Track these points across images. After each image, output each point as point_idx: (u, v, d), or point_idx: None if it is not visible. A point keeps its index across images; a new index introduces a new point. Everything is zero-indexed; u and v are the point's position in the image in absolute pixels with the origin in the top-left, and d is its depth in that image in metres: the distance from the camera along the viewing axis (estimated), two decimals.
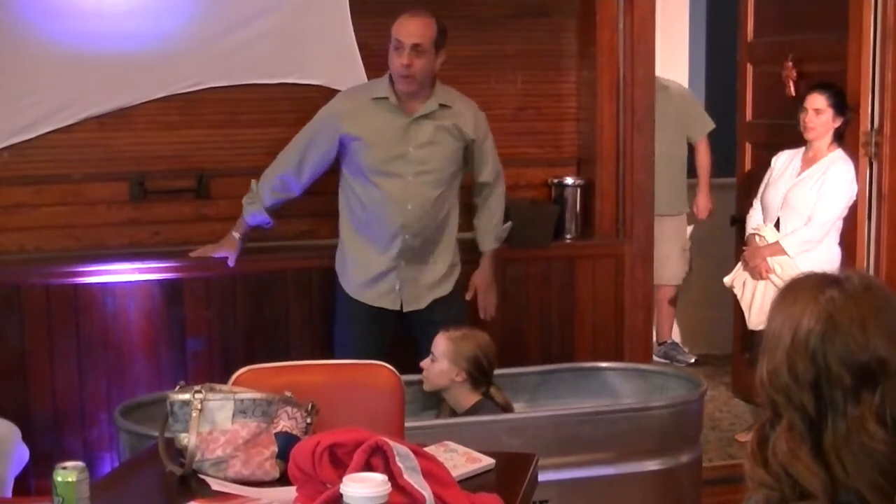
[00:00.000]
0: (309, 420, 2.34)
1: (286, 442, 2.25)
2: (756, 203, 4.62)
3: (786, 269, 4.30)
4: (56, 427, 4.11)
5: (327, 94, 4.15)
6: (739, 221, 5.22)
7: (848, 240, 4.55)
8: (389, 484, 1.86)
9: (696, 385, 3.83)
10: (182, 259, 4.18)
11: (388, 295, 3.92)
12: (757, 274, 4.44)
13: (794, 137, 4.59)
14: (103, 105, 4.23)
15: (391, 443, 1.96)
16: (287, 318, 4.27)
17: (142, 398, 3.70)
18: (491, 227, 4.17)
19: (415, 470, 1.95)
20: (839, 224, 4.45)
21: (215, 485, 2.23)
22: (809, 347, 1.51)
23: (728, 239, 5.47)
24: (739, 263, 4.57)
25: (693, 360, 5.99)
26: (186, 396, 2.28)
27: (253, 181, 4.04)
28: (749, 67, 5.28)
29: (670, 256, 5.80)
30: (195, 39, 4.25)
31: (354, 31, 4.32)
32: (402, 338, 4.01)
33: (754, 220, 4.59)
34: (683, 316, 6.26)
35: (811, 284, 1.57)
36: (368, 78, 4.21)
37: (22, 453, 3.57)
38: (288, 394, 2.36)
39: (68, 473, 1.99)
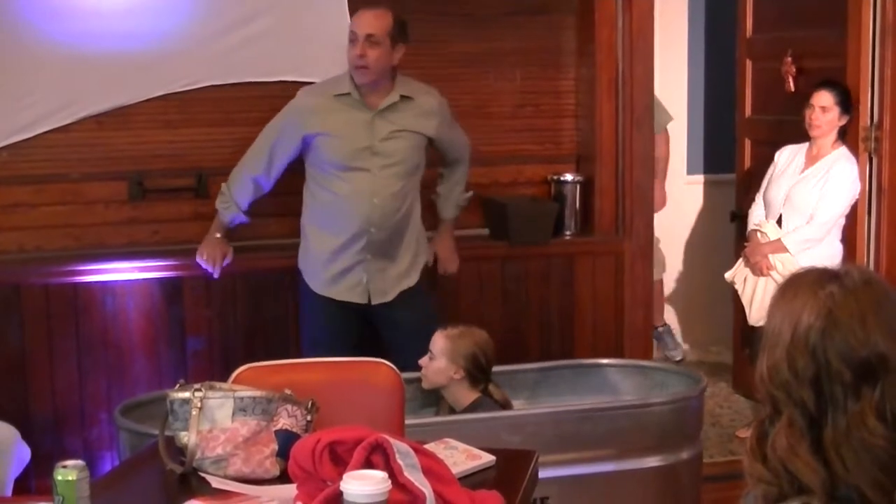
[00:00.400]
0: (309, 418, 2.34)
1: (286, 440, 2.25)
2: (758, 198, 4.60)
3: (787, 266, 4.29)
4: (56, 426, 4.11)
5: None
6: (739, 217, 5.22)
7: (848, 235, 4.54)
8: (390, 481, 1.85)
9: (696, 381, 3.83)
10: (181, 258, 4.18)
11: (356, 289, 3.92)
12: (758, 270, 4.44)
13: (794, 133, 4.58)
14: (102, 104, 4.22)
15: (391, 440, 1.96)
16: (287, 317, 4.27)
17: (142, 397, 3.69)
18: (454, 196, 4.19)
19: (415, 467, 1.95)
20: (841, 221, 4.45)
21: (215, 483, 2.23)
22: (809, 343, 1.50)
23: (728, 235, 5.47)
24: (740, 259, 4.56)
25: (679, 359, 5.93)
26: (186, 395, 2.28)
27: (223, 184, 4.05)
28: (748, 63, 5.28)
29: None
30: (194, 38, 4.25)
31: None
32: (367, 334, 4.01)
33: (756, 215, 4.57)
34: (683, 311, 6.26)
35: (811, 280, 1.57)
36: None
37: (23, 454, 3.56)
38: (288, 392, 2.36)
39: (68, 472, 1.99)
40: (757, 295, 4.46)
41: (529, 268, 4.57)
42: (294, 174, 4.01)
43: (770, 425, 1.54)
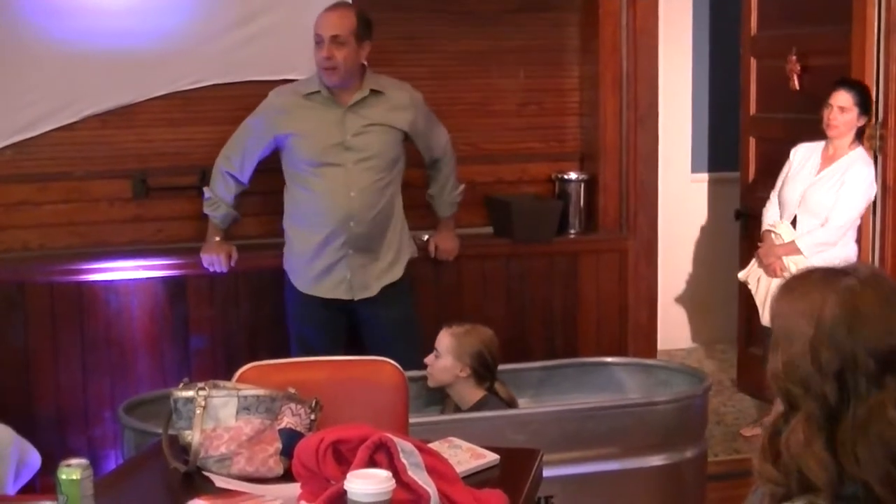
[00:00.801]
0: (313, 416, 2.33)
1: (290, 438, 2.24)
2: (773, 197, 4.53)
3: (800, 268, 4.24)
4: (60, 424, 4.11)
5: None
6: (744, 216, 5.21)
7: None
8: (393, 480, 1.85)
9: (700, 380, 3.82)
10: (185, 256, 4.18)
11: (340, 285, 3.93)
12: (771, 272, 4.37)
13: (799, 131, 4.57)
14: (106, 102, 4.23)
15: (395, 439, 1.95)
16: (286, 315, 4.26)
17: (145, 395, 3.69)
18: (445, 195, 4.21)
19: (419, 466, 1.94)
20: (857, 222, 4.40)
21: (219, 481, 2.22)
22: (835, 336, 1.51)
23: (732, 233, 5.46)
24: (754, 259, 4.51)
25: None
26: (190, 393, 2.28)
27: (205, 188, 4.08)
28: (752, 61, 5.27)
29: None
30: (197, 37, 4.25)
31: None
32: (355, 333, 4.03)
33: (770, 215, 4.50)
34: (687, 309, 6.25)
35: (821, 276, 1.58)
36: None
37: (34, 460, 3.55)
38: (291, 390, 2.36)
39: (72, 471, 1.98)
40: (770, 295, 4.42)
41: (533, 266, 4.57)
42: None
43: (784, 423, 1.54)
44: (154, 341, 4.20)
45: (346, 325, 4.02)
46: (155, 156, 4.33)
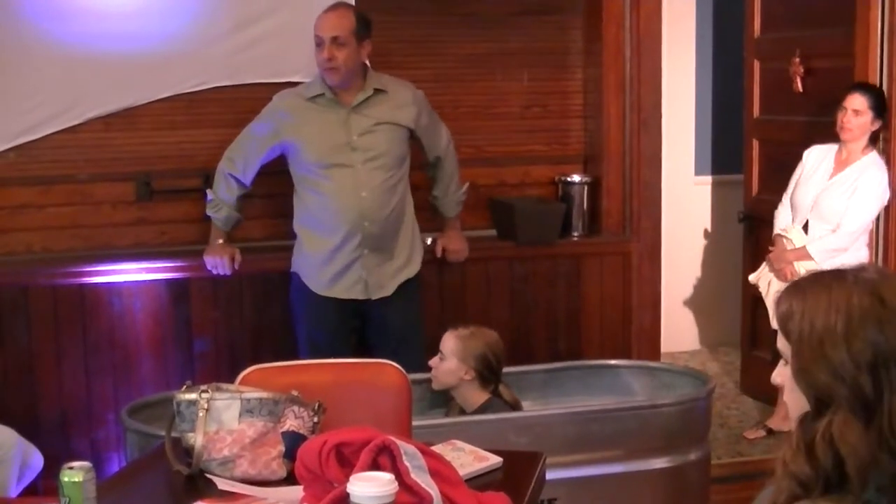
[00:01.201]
0: (316, 419, 2.33)
1: (293, 441, 2.24)
2: (785, 200, 4.50)
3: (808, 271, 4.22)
4: (63, 427, 4.11)
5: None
6: (748, 218, 5.21)
7: None
8: (396, 483, 1.85)
9: (704, 382, 3.82)
10: (188, 259, 4.18)
11: (356, 285, 3.94)
12: (782, 276, 4.34)
13: (801, 133, 4.56)
14: (109, 105, 4.23)
15: (398, 442, 1.95)
16: (293, 318, 4.26)
17: (149, 398, 3.69)
18: (450, 195, 4.21)
19: (422, 469, 1.94)
20: (869, 227, 4.38)
21: (222, 484, 2.22)
22: (867, 327, 1.52)
23: (736, 236, 5.45)
24: (765, 263, 4.49)
25: None
26: (193, 396, 2.27)
27: (208, 190, 4.08)
28: (756, 64, 5.26)
29: None
30: (200, 39, 4.25)
31: None
32: (364, 333, 4.03)
33: (782, 219, 4.47)
34: (691, 312, 6.25)
35: (834, 275, 1.59)
36: None
37: (36, 461, 3.56)
38: (294, 393, 2.35)
39: (75, 473, 1.98)
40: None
41: (537, 268, 4.57)
42: None
43: (813, 419, 1.54)
44: (157, 344, 4.20)
45: (355, 327, 4.02)
46: (158, 158, 4.34)
